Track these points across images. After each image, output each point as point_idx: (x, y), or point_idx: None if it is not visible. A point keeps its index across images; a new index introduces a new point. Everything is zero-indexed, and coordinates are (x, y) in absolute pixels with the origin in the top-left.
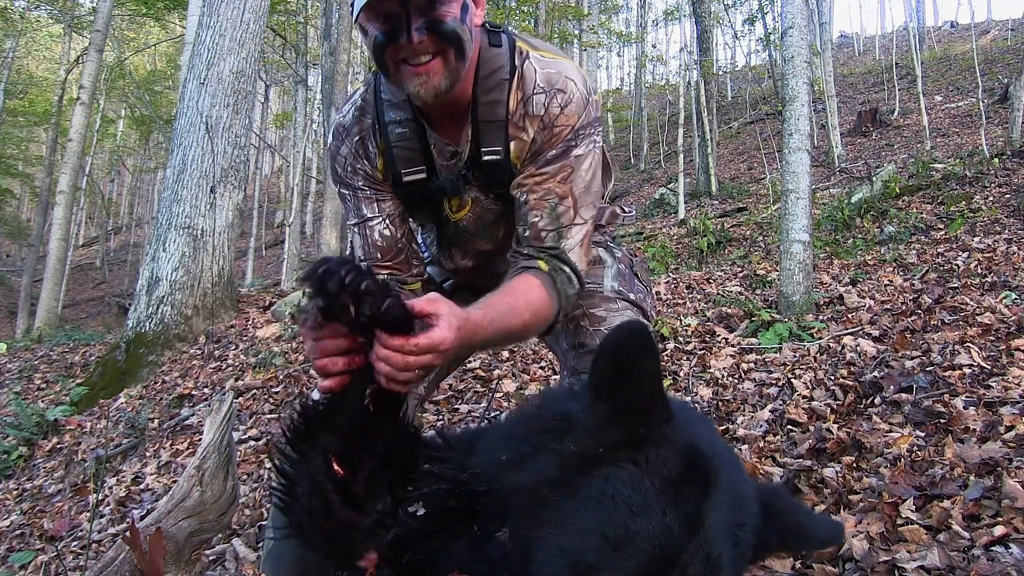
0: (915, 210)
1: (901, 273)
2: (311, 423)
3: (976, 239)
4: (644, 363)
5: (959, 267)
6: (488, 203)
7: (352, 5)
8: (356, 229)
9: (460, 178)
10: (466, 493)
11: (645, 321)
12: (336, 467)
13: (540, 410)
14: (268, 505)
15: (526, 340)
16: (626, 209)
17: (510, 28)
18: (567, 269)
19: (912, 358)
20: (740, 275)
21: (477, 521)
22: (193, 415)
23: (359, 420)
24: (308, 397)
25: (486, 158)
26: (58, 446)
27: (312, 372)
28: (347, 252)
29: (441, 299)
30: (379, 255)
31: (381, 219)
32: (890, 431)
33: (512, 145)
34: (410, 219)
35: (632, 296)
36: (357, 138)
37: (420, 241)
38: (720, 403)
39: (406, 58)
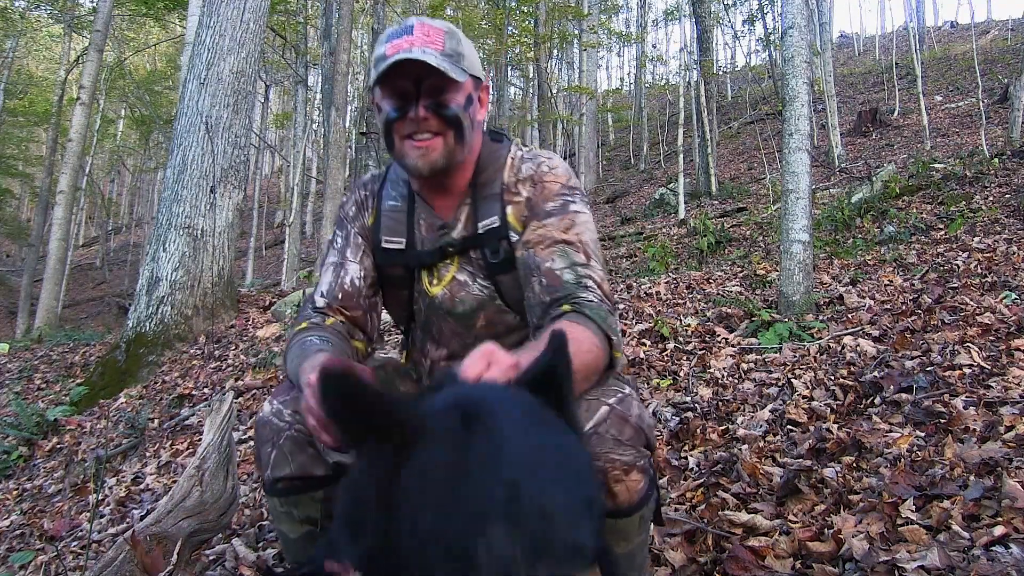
0: (915, 210)
1: (901, 273)
2: None
3: (976, 239)
4: (357, 402)
5: (959, 267)
6: (474, 288)
7: (373, 85)
8: (332, 268)
9: (439, 249)
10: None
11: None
12: None
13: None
14: (267, 505)
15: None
16: None
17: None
18: (593, 298)
19: (912, 358)
20: (740, 275)
21: None
22: (193, 415)
23: None
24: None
25: (483, 230)
26: (58, 446)
27: None
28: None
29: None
30: (341, 297)
31: (359, 269)
32: (890, 431)
33: (509, 209)
34: (383, 308)
35: None
36: (366, 193)
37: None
38: (720, 403)
39: (411, 133)
